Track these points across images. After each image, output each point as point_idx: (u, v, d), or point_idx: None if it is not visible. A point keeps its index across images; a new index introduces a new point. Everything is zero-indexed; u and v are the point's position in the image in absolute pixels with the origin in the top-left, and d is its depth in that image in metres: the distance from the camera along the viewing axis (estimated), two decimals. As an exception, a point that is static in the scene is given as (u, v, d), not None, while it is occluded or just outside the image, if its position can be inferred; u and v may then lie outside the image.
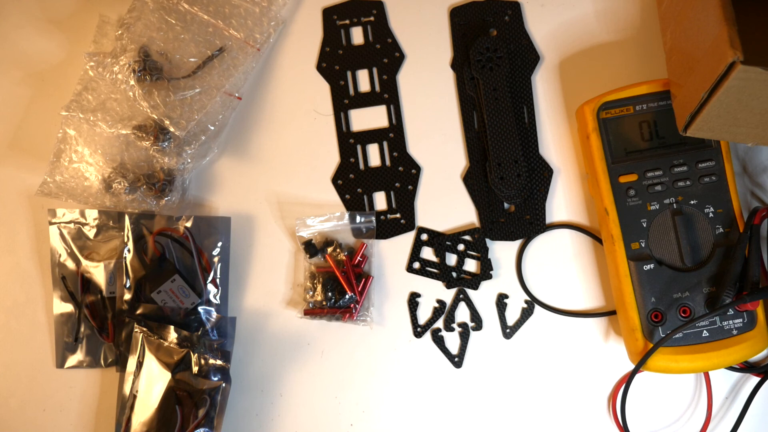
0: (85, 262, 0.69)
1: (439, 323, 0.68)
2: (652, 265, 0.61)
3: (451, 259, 0.68)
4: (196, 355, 0.65)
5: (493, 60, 0.67)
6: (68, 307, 0.69)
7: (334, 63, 0.71)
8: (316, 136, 0.71)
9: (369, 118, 0.71)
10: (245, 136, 0.71)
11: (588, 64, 0.69)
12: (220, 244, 0.68)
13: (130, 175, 0.67)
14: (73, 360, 0.69)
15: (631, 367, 0.65)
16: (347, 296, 0.67)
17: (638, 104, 0.63)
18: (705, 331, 0.60)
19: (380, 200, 0.70)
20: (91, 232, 0.69)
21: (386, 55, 0.71)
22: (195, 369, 0.65)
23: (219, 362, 0.65)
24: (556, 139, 0.69)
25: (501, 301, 0.68)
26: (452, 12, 0.71)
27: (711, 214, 0.62)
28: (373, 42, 0.71)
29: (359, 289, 0.67)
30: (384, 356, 0.68)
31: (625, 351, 0.63)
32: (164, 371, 0.64)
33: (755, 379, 0.65)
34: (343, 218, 0.69)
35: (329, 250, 0.68)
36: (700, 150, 0.62)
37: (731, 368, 0.64)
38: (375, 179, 0.70)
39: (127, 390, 0.65)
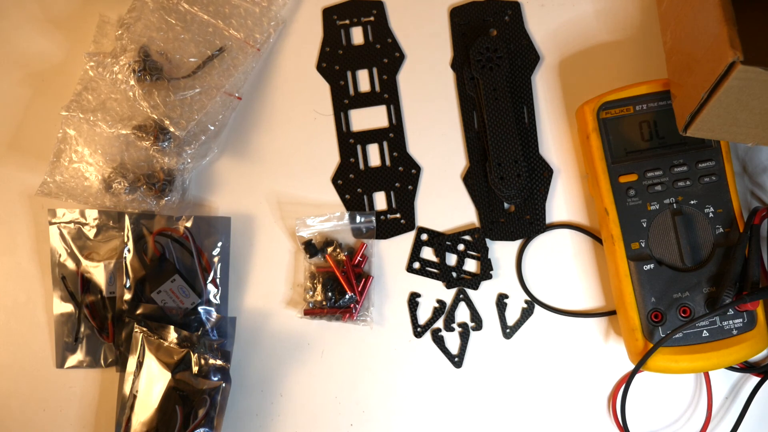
0: (85, 262, 0.69)
1: (439, 323, 0.68)
2: (652, 265, 0.61)
3: (451, 259, 0.68)
4: (196, 355, 0.65)
5: (493, 60, 0.67)
6: (68, 307, 0.69)
7: (334, 63, 0.71)
8: (316, 136, 0.71)
9: (369, 118, 0.71)
10: (245, 136, 0.71)
11: (588, 64, 0.69)
12: (220, 244, 0.68)
13: (130, 175, 0.67)
14: (73, 360, 0.69)
15: (631, 367, 0.65)
16: (347, 296, 0.67)
17: (638, 104, 0.63)
18: (705, 331, 0.60)
19: (380, 200, 0.70)
20: (91, 232, 0.69)
21: (386, 55, 0.71)
22: (195, 369, 0.65)
23: (219, 362, 0.65)
24: (556, 139, 0.69)
25: (501, 301, 0.68)
26: (452, 12, 0.71)
27: (711, 214, 0.62)
28: (373, 42, 0.71)
29: (359, 289, 0.67)
30: (384, 356, 0.68)
31: (625, 351, 0.63)
32: (164, 371, 0.64)
33: (755, 379, 0.65)
34: (343, 218, 0.69)
35: (329, 250, 0.68)
36: (700, 150, 0.62)
37: (731, 368, 0.64)
38: (375, 179, 0.70)
39: (127, 390, 0.65)
